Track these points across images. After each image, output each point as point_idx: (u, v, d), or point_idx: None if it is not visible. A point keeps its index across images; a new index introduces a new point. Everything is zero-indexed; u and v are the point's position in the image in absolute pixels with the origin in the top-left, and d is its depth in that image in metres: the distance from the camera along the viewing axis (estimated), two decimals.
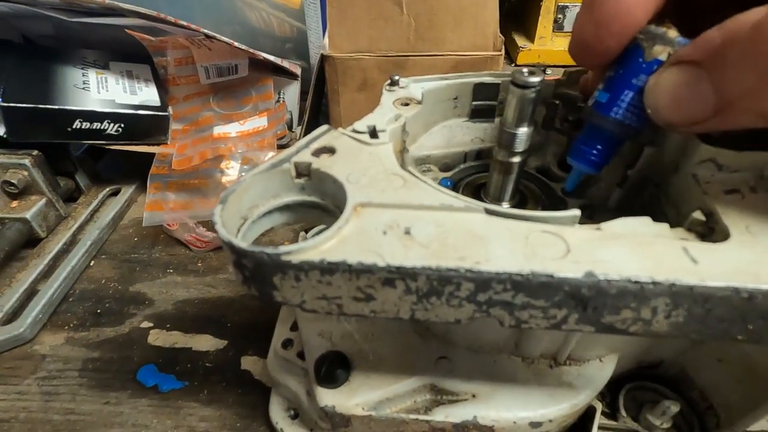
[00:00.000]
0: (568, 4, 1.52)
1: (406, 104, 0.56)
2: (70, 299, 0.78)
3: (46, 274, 0.80)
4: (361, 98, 0.80)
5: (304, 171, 0.42)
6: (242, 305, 0.78)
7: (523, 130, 0.44)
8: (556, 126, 0.57)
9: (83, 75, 0.86)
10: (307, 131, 0.91)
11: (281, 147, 0.93)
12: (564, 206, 0.50)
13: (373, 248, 0.32)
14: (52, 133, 0.79)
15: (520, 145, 0.45)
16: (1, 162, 0.79)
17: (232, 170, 0.85)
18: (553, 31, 1.52)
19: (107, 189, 0.97)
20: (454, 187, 0.54)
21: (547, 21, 1.51)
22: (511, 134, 0.44)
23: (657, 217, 0.35)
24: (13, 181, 0.78)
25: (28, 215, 0.81)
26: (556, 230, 0.34)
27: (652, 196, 0.45)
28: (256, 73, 0.99)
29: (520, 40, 1.45)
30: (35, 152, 0.80)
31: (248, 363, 0.68)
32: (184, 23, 0.80)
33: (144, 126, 0.87)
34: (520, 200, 0.51)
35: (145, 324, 0.74)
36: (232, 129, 0.90)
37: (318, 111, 0.90)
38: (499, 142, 0.46)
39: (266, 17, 1.17)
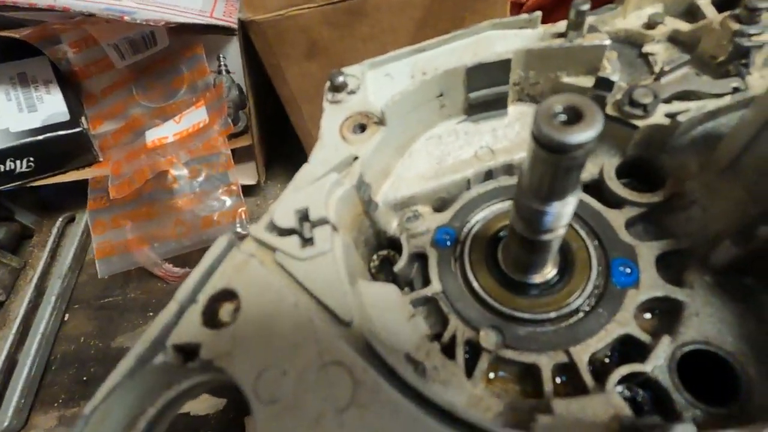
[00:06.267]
0: None
1: (362, 127, 0.35)
2: (53, 367, 0.71)
3: (20, 342, 0.71)
4: (314, 69, 0.56)
5: (193, 351, 0.25)
6: None
7: (560, 207, 0.24)
8: (608, 113, 0.35)
9: None
10: (259, 125, 0.69)
11: (236, 136, 0.73)
12: (632, 259, 0.32)
13: None
14: None
15: (555, 223, 0.25)
16: None
17: (182, 187, 0.68)
18: None
19: (59, 219, 0.84)
20: (457, 242, 0.35)
21: None
22: (536, 212, 0.24)
23: None
24: None
25: None
26: None
27: None
28: (179, 39, 0.74)
29: None
30: None
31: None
32: (43, 4, 0.56)
33: (58, 151, 0.68)
34: (561, 270, 0.32)
35: None
36: (168, 131, 0.70)
37: (264, 99, 0.66)
38: (519, 213, 0.27)
39: None
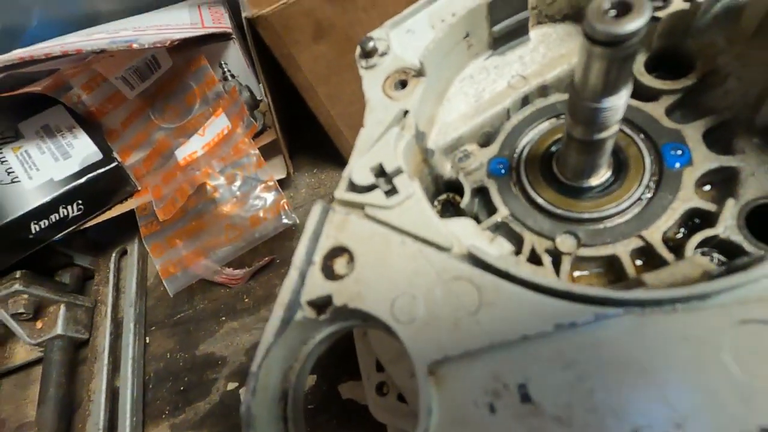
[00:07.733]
0: None
1: (403, 84, 0.37)
2: (150, 386, 0.76)
3: (114, 370, 0.77)
4: (324, 51, 0.57)
5: (325, 303, 0.29)
6: None
7: (614, 100, 0.26)
8: None
9: (1, 163, 0.70)
10: (279, 118, 0.71)
11: (257, 136, 0.75)
12: (681, 141, 0.34)
13: None
14: (15, 250, 0.67)
15: (612, 119, 0.28)
16: None
17: (223, 195, 0.71)
18: None
19: (113, 255, 0.88)
20: (511, 168, 0.38)
21: None
22: (593, 110, 0.27)
23: None
24: (20, 310, 0.71)
25: (59, 330, 0.75)
26: None
27: None
28: (180, 56, 0.76)
29: None
30: (19, 273, 0.70)
31: (347, 390, 0.65)
32: (58, 50, 0.58)
33: (101, 189, 0.72)
34: (616, 169, 0.35)
35: (230, 385, 0.72)
36: (196, 145, 0.73)
37: (279, 87, 0.68)
38: (573, 116, 0.29)
39: None
